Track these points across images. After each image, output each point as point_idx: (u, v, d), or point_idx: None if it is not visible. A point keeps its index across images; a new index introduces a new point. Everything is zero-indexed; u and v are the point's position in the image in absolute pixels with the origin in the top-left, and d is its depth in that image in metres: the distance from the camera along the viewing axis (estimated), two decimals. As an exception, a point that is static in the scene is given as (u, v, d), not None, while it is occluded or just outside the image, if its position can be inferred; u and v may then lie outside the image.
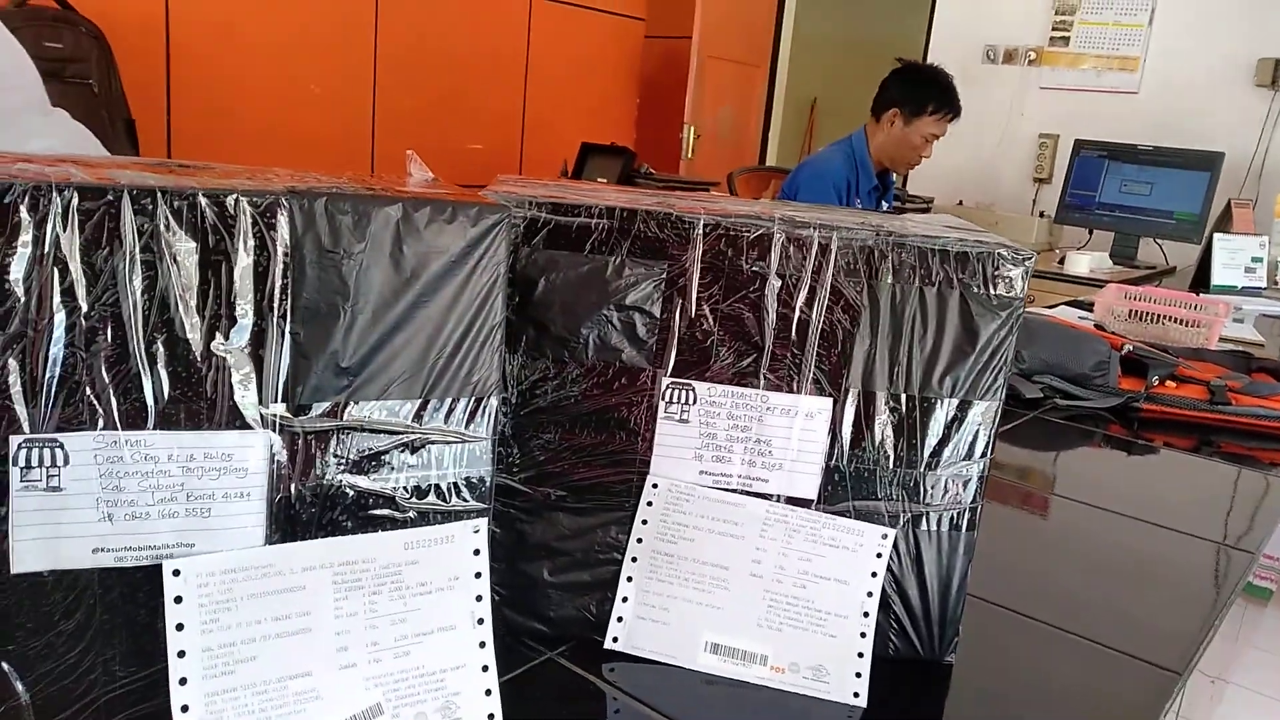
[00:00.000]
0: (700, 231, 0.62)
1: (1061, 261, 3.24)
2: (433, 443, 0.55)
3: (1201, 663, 0.76)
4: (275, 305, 0.50)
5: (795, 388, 0.64)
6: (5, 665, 0.47)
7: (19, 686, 0.48)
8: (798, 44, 5.00)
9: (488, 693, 0.55)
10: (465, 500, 0.56)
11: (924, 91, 2.73)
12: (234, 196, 0.48)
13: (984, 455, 0.65)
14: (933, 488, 0.65)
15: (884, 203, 2.96)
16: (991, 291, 0.63)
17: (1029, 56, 4.03)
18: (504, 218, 0.55)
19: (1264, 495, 1.14)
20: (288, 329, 0.50)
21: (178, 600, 0.49)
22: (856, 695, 0.62)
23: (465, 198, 0.55)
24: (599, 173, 3.56)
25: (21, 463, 0.46)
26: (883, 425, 0.64)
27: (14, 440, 0.46)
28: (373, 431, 0.53)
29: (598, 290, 0.63)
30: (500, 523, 0.63)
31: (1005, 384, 0.65)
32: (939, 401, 0.64)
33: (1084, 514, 1.02)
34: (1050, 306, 2.12)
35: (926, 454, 0.65)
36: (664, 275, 0.62)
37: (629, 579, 0.65)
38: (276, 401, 0.50)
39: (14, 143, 1.34)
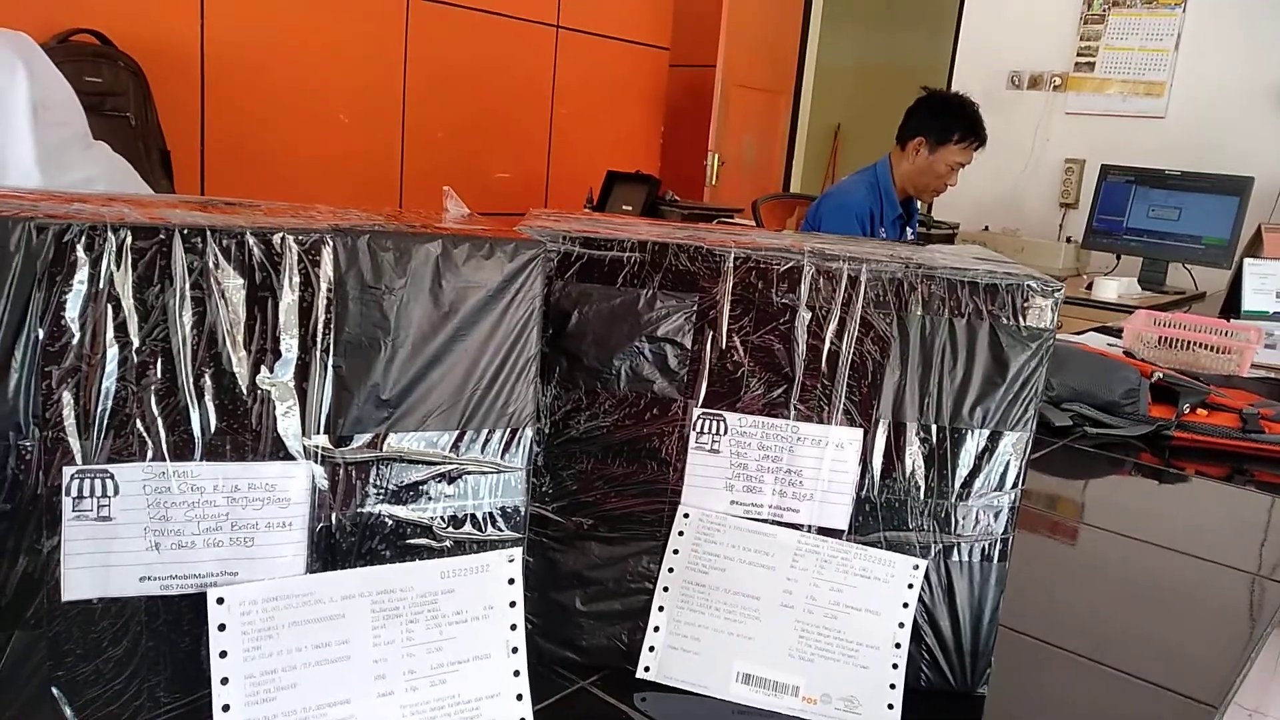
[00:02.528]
0: (731, 264, 0.63)
1: (1089, 287, 3.22)
2: (469, 473, 0.56)
3: (1240, 695, 0.75)
4: (319, 339, 0.51)
5: (826, 418, 0.64)
6: (55, 690, 0.49)
7: (67, 711, 0.49)
8: (821, 71, 5.03)
9: (522, 721, 0.56)
10: (500, 530, 0.57)
11: (949, 120, 2.73)
12: (281, 235, 0.49)
13: (1015, 486, 0.65)
14: (964, 518, 0.65)
15: (908, 230, 2.97)
16: (1021, 323, 0.64)
17: (1054, 82, 4.03)
18: (540, 253, 0.56)
19: (1300, 525, 1.13)
20: (330, 362, 0.51)
21: (221, 628, 0.50)
22: (889, 727, 0.62)
23: (502, 234, 0.57)
24: (624, 200, 3.59)
25: (74, 493, 0.48)
26: (913, 456, 0.64)
27: (67, 471, 0.47)
28: (411, 462, 0.54)
29: (630, 322, 0.64)
30: (533, 552, 0.64)
31: (1036, 415, 0.65)
32: (969, 432, 0.64)
33: (1116, 543, 1.01)
34: (1079, 333, 2.11)
35: (957, 485, 0.65)
36: (695, 307, 0.63)
37: (660, 608, 0.65)
38: (319, 433, 0.52)
39: (58, 173, 1.38)
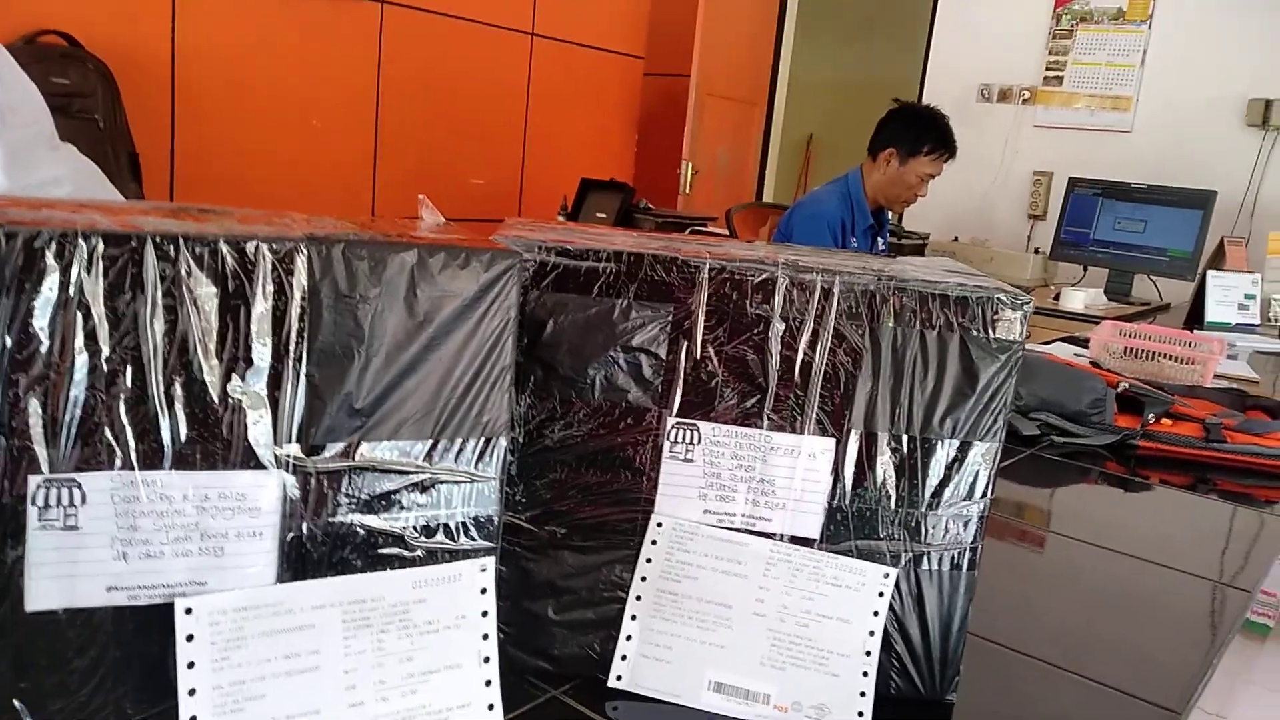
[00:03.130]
0: (706, 275, 0.63)
1: (1057, 298, 3.26)
2: (442, 482, 0.56)
3: (1203, 699, 0.76)
4: (291, 348, 0.51)
5: (798, 428, 0.65)
6: (17, 702, 0.48)
7: (31, 724, 0.48)
8: (794, 82, 5.07)
9: (494, 731, 0.56)
10: (473, 539, 0.57)
11: (920, 132, 2.77)
12: (254, 243, 0.49)
13: (984, 495, 0.66)
14: (934, 528, 0.66)
15: (879, 240, 2.99)
16: (991, 335, 0.65)
17: (1023, 95, 4.09)
18: (515, 263, 0.56)
19: (1260, 533, 1.15)
20: (303, 371, 0.51)
21: (189, 638, 0.49)
22: (859, 735, 0.62)
23: (478, 243, 0.57)
24: (598, 208, 3.59)
25: (40, 502, 0.47)
26: (884, 466, 0.65)
27: (33, 480, 0.47)
28: (384, 471, 0.54)
29: (605, 332, 0.64)
30: (506, 561, 0.64)
31: (1005, 425, 0.66)
32: (940, 442, 0.65)
33: (1082, 551, 1.03)
34: (1046, 343, 2.14)
35: (928, 494, 0.65)
36: (670, 318, 0.64)
37: (633, 617, 0.65)
38: (291, 442, 0.51)
39: (24, 176, 1.36)
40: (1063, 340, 2.21)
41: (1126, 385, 1.50)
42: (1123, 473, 1.32)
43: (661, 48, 4.35)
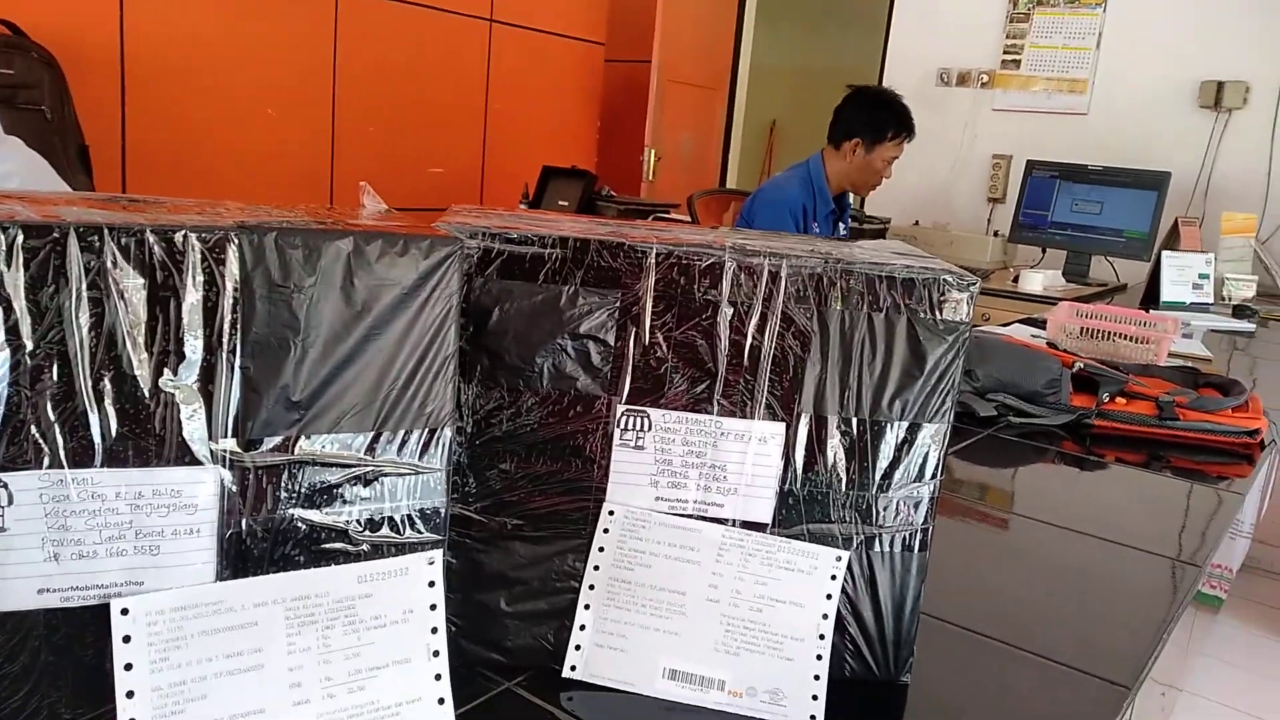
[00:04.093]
0: (653, 261, 0.63)
1: (1016, 280, 3.30)
2: (386, 475, 0.55)
3: (1154, 672, 0.77)
4: (225, 340, 0.50)
5: (748, 413, 0.64)
6: (-53, 710, 0.47)
7: (-39, 732, 0.47)
8: (756, 69, 5.07)
9: (444, 725, 0.55)
10: (420, 532, 0.56)
11: (882, 118, 2.79)
12: (182, 233, 0.48)
13: (934, 477, 0.66)
14: (885, 510, 0.66)
15: (840, 225, 3.01)
16: (938, 316, 0.65)
17: (982, 79, 4.11)
18: (456, 249, 0.55)
19: (1215, 509, 1.17)
20: (237, 364, 0.50)
21: (126, 640, 0.48)
22: (813, 717, 0.62)
23: (417, 230, 0.56)
24: (560, 195, 3.57)
25: (-36, 504, 0.46)
26: (834, 449, 0.65)
27: (-44, 481, 0.45)
28: (325, 465, 0.53)
29: (552, 319, 0.63)
30: (456, 553, 0.63)
31: (954, 406, 0.66)
32: (889, 425, 0.65)
33: (1038, 531, 1.04)
34: (1005, 324, 2.16)
35: (878, 477, 0.66)
36: (618, 304, 0.63)
37: (586, 607, 0.65)
38: (226, 437, 0.50)
39: (-37, 172, 1.32)
40: (1021, 322, 2.23)
41: (1082, 365, 1.51)
42: (1079, 452, 1.34)
43: (622, 33, 4.33)
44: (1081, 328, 1.86)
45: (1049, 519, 1.06)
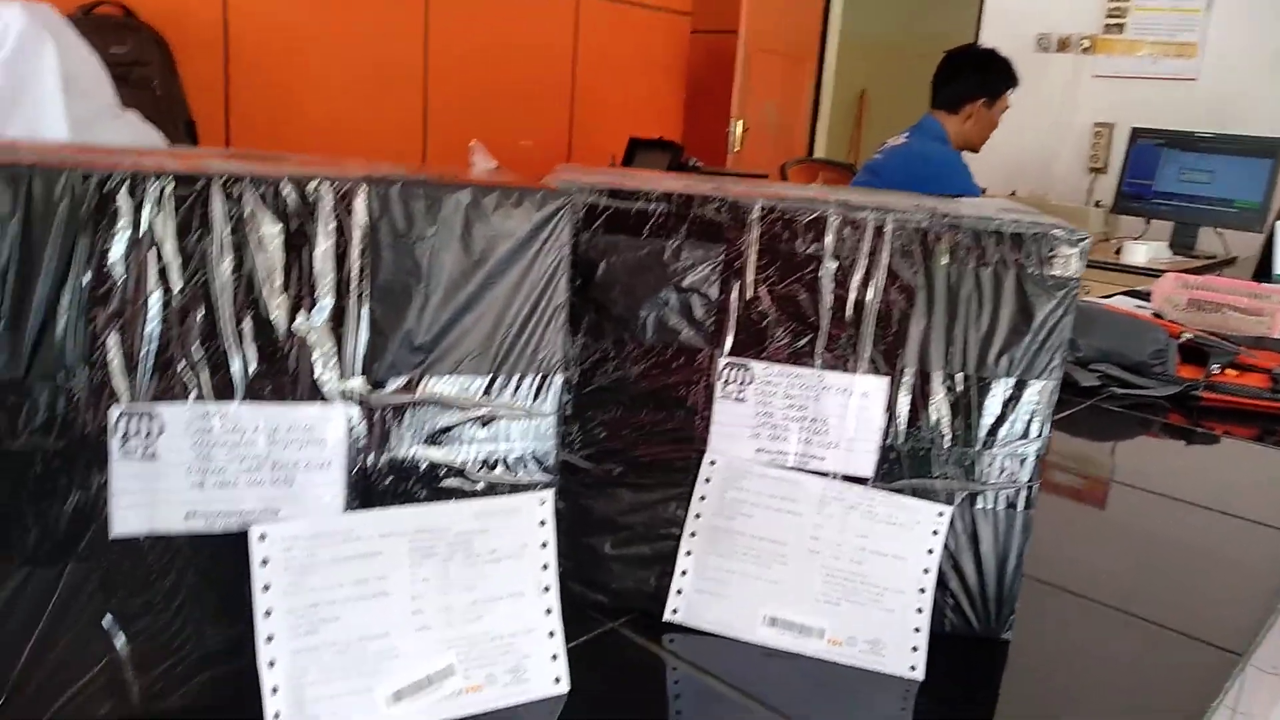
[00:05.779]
0: (757, 215, 0.63)
1: (1118, 252, 3.18)
2: (501, 417, 0.57)
3: (1262, 657, 0.75)
4: (353, 285, 0.52)
5: (851, 367, 0.65)
6: (107, 621, 0.51)
7: (119, 641, 0.51)
8: (845, 36, 4.97)
9: (554, 657, 0.57)
10: (531, 473, 0.58)
11: (1000, 75, 2.81)
12: (316, 181, 0.50)
13: (1040, 434, 0.66)
14: (989, 466, 0.66)
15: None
16: (1047, 272, 0.64)
17: (1083, 44, 3.96)
18: (567, 202, 0.57)
19: (1328, 483, 1.13)
20: (365, 308, 0.53)
21: (264, 563, 0.52)
22: (913, 668, 0.63)
23: (530, 183, 0.57)
24: (647, 167, 3.58)
25: (120, 432, 0.49)
26: (938, 404, 0.65)
27: (113, 411, 0.49)
28: (445, 406, 0.56)
29: (656, 273, 0.64)
30: (563, 498, 0.65)
31: (1062, 364, 0.65)
32: (995, 381, 0.65)
33: (1144, 500, 1.01)
34: (1107, 297, 2.10)
35: (983, 433, 0.65)
36: (721, 258, 0.64)
37: (688, 553, 0.66)
38: (355, 376, 0.53)
39: (90, 141, 1.40)
40: (1124, 294, 2.16)
41: (1190, 336, 1.46)
42: (1185, 424, 1.30)
43: (709, 4, 4.29)
44: (1189, 299, 1.79)
45: (1155, 489, 1.04)
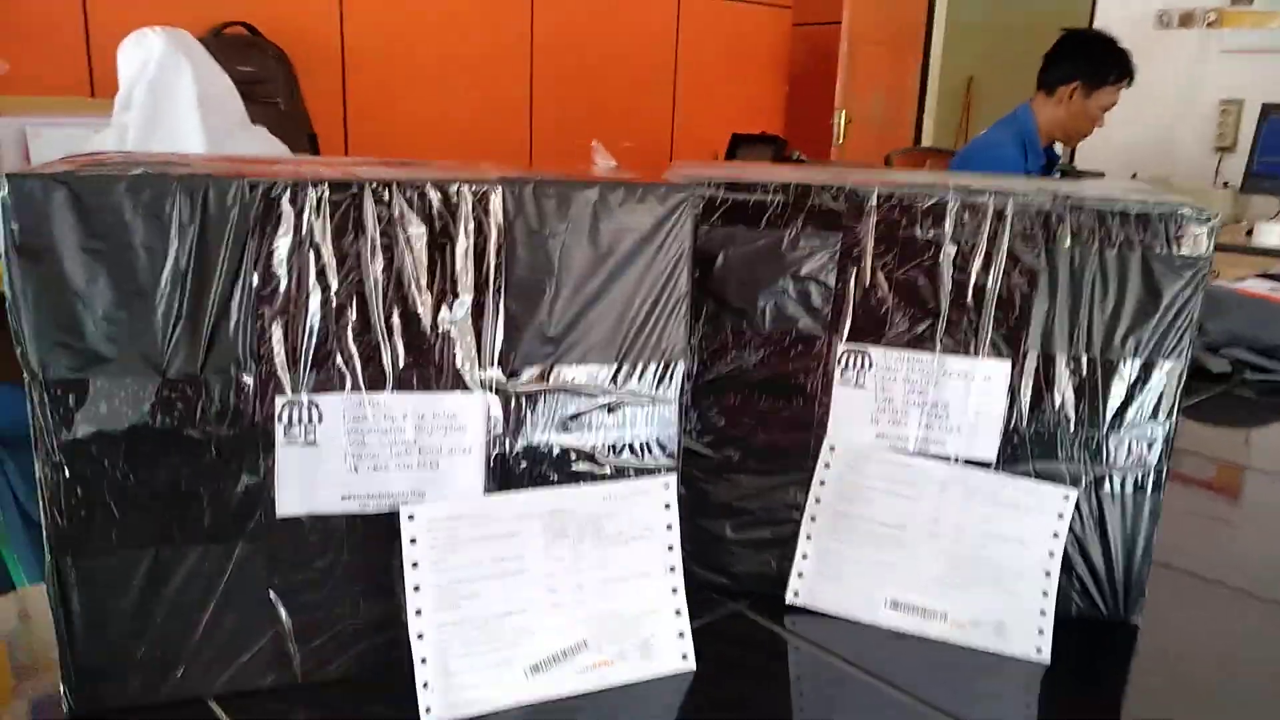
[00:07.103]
0: (874, 202, 0.64)
1: (1249, 233, 3.02)
2: (626, 404, 0.60)
3: None
4: (491, 281, 0.56)
5: (972, 351, 0.65)
6: (272, 595, 0.55)
7: (283, 614, 0.56)
8: (951, 24, 4.85)
9: (680, 635, 0.60)
10: (656, 458, 0.61)
11: (1102, 60, 2.65)
12: (457, 185, 0.54)
13: (1170, 416, 0.64)
14: (1116, 449, 0.65)
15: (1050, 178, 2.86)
16: (1174, 251, 0.63)
17: (1208, 18, 3.77)
18: (689, 196, 0.59)
19: None
20: (502, 303, 0.56)
21: (413, 541, 0.55)
22: (1039, 650, 0.63)
23: (653, 180, 0.60)
24: (749, 161, 3.57)
25: (285, 420, 0.54)
26: (1063, 387, 0.64)
27: (279, 401, 0.54)
28: (574, 393, 0.58)
29: (774, 262, 0.66)
30: (684, 483, 0.67)
31: (1191, 345, 0.64)
32: (1121, 362, 0.64)
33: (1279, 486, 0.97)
34: (1238, 280, 2.00)
35: (1109, 415, 0.65)
36: (838, 246, 0.65)
37: (809, 537, 0.68)
38: (493, 367, 0.56)
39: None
40: (1258, 277, 2.06)
41: (1331, 318, 1.39)
42: (1327, 410, 1.23)
43: (810, -4, 4.25)
44: (1330, 280, 1.69)
45: (1293, 477, 1.00)
